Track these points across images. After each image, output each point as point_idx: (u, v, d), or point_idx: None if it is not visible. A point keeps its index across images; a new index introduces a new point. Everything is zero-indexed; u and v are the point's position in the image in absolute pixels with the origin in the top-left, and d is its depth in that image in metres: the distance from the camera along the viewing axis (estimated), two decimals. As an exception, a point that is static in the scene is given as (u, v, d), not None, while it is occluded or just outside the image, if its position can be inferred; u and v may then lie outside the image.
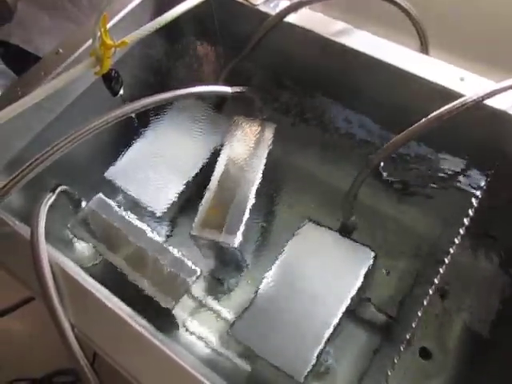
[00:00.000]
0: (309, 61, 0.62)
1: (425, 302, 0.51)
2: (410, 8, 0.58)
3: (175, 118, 0.69)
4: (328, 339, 0.54)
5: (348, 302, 0.56)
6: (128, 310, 0.46)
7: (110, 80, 0.54)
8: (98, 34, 0.50)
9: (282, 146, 0.65)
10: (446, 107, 0.48)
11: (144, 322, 0.46)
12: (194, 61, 0.69)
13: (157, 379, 0.41)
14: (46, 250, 0.45)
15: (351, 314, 0.61)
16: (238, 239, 0.58)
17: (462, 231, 0.53)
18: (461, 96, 0.49)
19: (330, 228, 0.62)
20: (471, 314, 0.63)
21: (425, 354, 0.61)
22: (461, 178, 0.60)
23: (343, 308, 0.56)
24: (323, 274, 0.58)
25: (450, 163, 0.60)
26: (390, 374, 0.46)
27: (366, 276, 0.58)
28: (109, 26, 0.51)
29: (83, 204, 0.63)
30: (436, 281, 0.52)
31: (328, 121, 0.66)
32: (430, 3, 0.63)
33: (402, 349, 0.47)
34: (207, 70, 0.67)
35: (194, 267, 0.59)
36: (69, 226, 0.61)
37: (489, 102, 0.50)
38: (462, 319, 0.62)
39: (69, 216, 0.62)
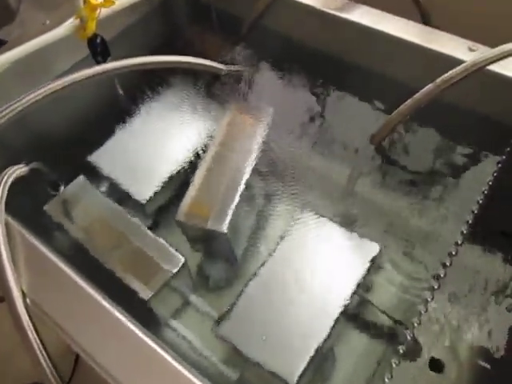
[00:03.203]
0: (308, 38, 0.59)
1: (429, 299, 0.46)
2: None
3: (166, 102, 0.67)
4: (325, 340, 0.49)
5: (347, 300, 0.51)
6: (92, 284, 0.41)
7: (95, 47, 0.51)
8: (83, -7, 0.47)
9: (280, 131, 0.62)
10: (447, 74, 0.45)
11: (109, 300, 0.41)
12: (190, 43, 0.67)
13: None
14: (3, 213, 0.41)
15: (352, 315, 0.55)
16: (226, 224, 0.53)
17: (470, 220, 0.48)
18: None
19: (330, 219, 0.57)
20: (482, 324, 0.57)
21: (435, 366, 0.55)
22: (470, 165, 0.56)
23: (342, 306, 0.51)
24: (321, 269, 0.54)
25: (459, 150, 0.56)
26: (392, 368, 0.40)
27: (369, 271, 0.54)
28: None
29: (62, 186, 0.58)
30: (442, 274, 0.47)
31: (328, 101, 0.63)
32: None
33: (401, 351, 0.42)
34: (204, 52, 0.65)
35: (177, 255, 0.54)
36: (45, 207, 0.58)
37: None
38: (472, 330, 0.56)
39: (44, 199, 0.57)
